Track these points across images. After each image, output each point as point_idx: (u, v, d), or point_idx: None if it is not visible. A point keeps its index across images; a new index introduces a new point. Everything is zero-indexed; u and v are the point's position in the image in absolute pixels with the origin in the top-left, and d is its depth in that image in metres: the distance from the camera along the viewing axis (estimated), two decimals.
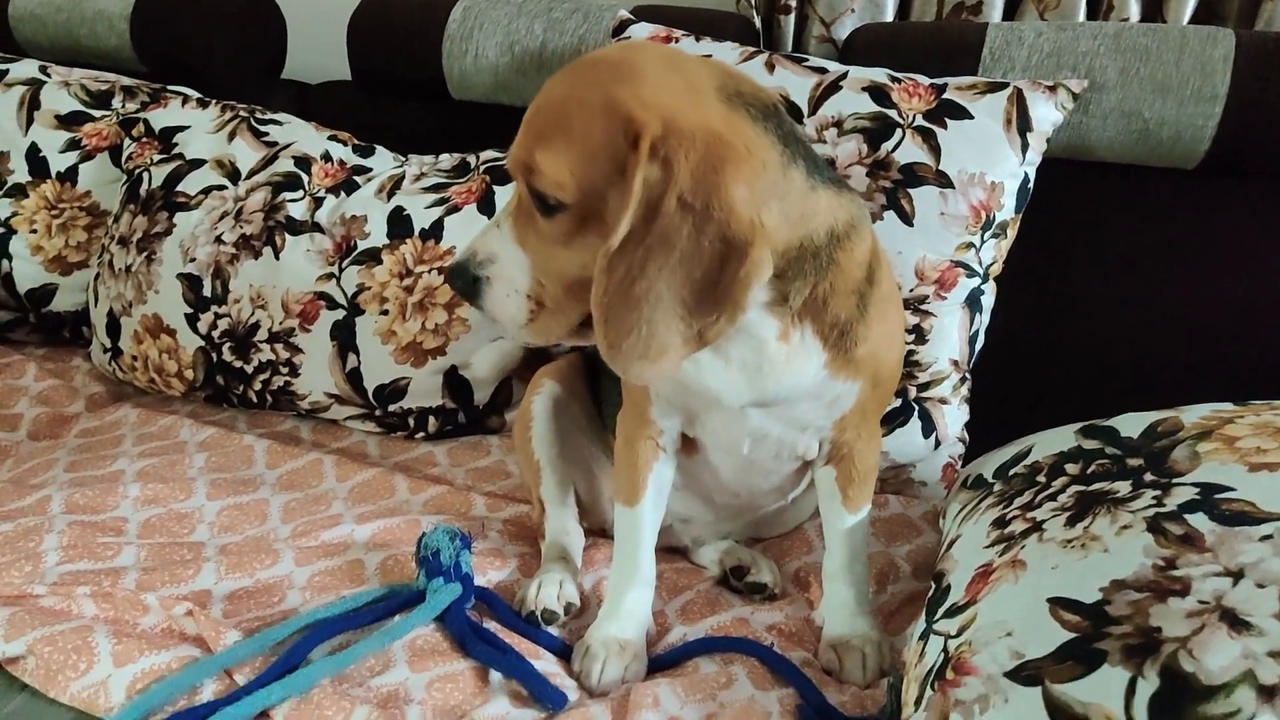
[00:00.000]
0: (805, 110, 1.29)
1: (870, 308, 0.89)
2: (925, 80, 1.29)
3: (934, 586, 0.89)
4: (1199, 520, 0.72)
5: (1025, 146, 1.25)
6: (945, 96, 1.27)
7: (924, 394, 1.26)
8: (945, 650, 0.76)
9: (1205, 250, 1.32)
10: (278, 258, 1.41)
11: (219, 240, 1.44)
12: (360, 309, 1.39)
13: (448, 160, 1.50)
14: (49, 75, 1.69)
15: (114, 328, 1.50)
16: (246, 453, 1.32)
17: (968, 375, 1.31)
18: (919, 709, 0.75)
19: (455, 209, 1.40)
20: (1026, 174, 1.27)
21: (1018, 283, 1.33)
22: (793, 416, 0.95)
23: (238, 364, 1.43)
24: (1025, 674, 0.67)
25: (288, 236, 1.42)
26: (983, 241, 1.25)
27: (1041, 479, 0.91)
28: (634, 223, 0.74)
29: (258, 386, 1.44)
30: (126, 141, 1.60)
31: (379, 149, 1.55)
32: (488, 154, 1.48)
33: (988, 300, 1.30)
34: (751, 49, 1.37)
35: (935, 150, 1.24)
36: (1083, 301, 1.36)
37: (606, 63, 0.81)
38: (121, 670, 0.87)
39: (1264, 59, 1.23)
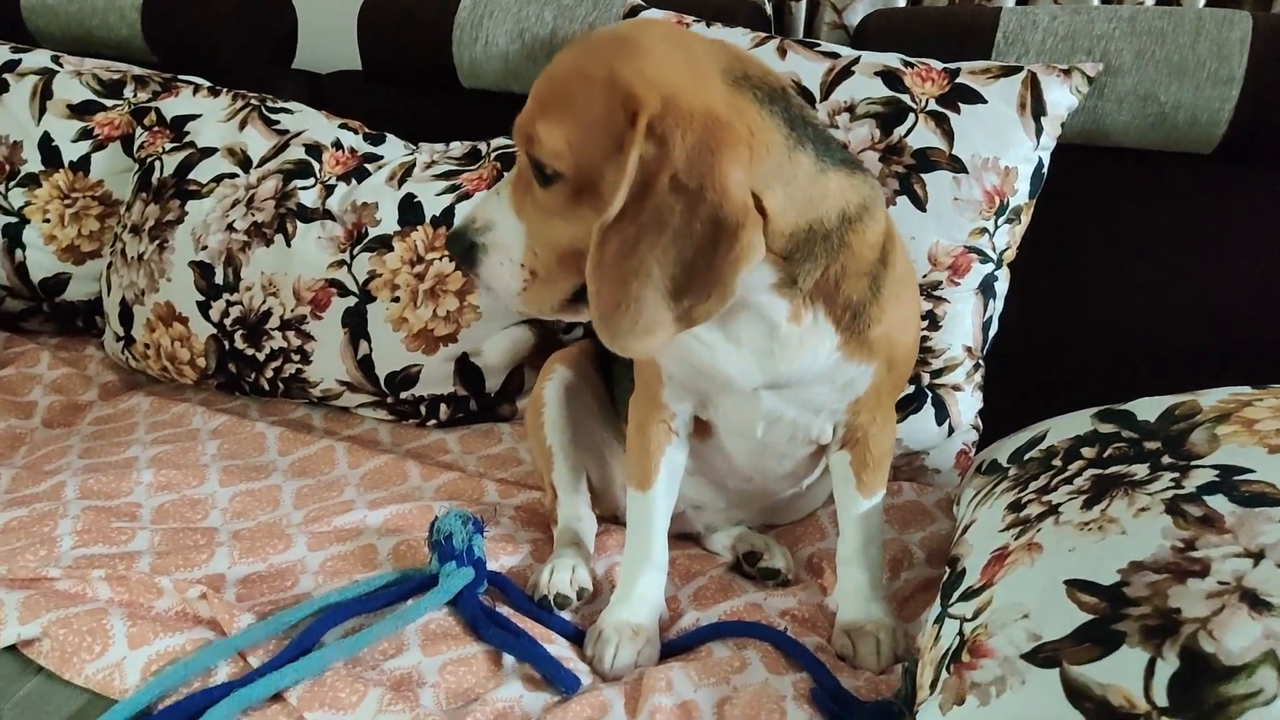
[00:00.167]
0: (817, 95, 1.28)
1: (884, 289, 0.89)
2: (938, 65, 1.28)
3: (949, 571, 0.89)
4: (1218, 502, 0.71)
5: (1039, 131, 1.24)
6: (959, 81, 1.26)
7: (937, 380, 1.26)
8: (961, 633, 0.76)
9: (1221, 235, 1.31)
10: (289, 245, 1.41)
11: (230, 228, 1.44)
12: (372, 296, 1.39)
13: (459, 148, 1.50)
14: (61, 65, 1.70)
15: (126, 316, 1.51)
16: (258, 440, 1.33)
17: (981, 362, 1.30)
18: (934, 692, 0.75)
19: (466, 195, 1.40)
20: (1041, 159, 1.26)
21: (1032, 268, 1.32)
22: (806, 399, 0.94)
23: (249, 351, 1.43)
24: (1043, 656, 0.67)
25: (299, 224, 1.42)
26: (996, 227, 1.24)
27: (1057, 463, 0.90)
28: (628, 199, 0.74)
29: (269, 374, 1.44)
30: (138, 130, 1.60)
31: (390, 137, 1.55)
32: (499, 141, 1.48)
33: (1001, 286, 1.29)
34: (763, 34, 1.37)
35: (949, 135, 1.23)
36: (1098, 287, 1.35)
37: (615, 38, 0.81)
38: (136, 652, 0.88)
39: None
